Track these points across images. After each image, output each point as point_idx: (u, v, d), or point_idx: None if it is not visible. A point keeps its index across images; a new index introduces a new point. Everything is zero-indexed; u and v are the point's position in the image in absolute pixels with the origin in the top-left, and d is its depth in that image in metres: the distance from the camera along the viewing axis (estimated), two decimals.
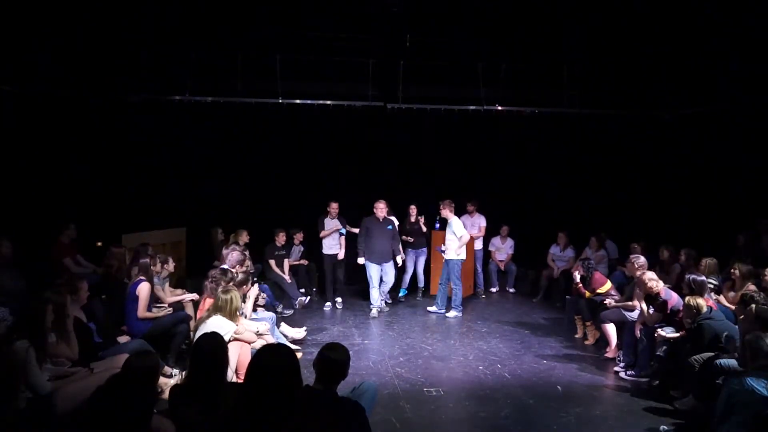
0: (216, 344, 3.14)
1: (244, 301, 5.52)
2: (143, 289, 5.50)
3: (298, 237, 8.85)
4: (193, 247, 8.97)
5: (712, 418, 3.75)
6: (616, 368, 5.87)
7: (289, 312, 7.99)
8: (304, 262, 8.94)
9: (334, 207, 8.39)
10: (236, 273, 6.08)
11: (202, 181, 9.38)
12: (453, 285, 8.04)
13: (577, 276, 6.85)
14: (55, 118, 8.07)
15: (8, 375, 3.58)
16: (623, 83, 9.25)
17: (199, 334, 4.13)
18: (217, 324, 4.48)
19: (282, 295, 8.12)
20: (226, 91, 8.80)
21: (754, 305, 4.54)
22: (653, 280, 5.56)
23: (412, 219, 9.00)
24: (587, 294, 6.74)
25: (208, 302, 5.28)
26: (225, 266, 6.26)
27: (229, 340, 4.37)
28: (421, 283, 9.28)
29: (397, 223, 8.39)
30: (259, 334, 5.20)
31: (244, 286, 5.63)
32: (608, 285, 6.76)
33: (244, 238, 8.02)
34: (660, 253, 7.52)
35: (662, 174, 9.66)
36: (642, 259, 6.33)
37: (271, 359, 2.51)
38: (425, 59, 8.87)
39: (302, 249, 8.97)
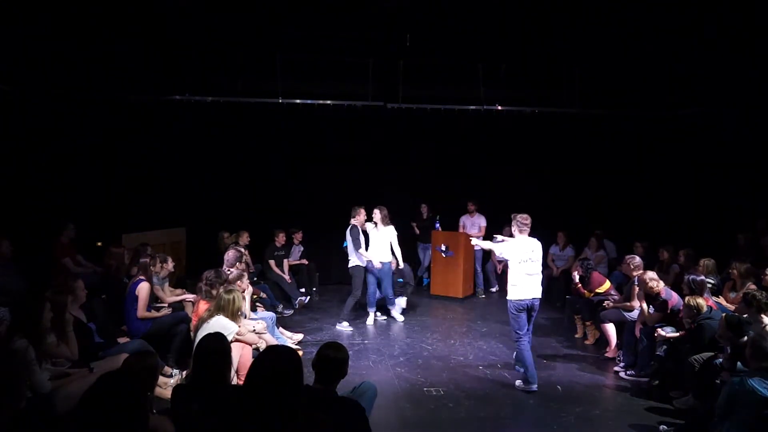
0: (219, 345, 3.14)
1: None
2: (143, 288, 5.50)
3: (298, 237, 8.87)
4: (193, 247, 8.97)
5: (712, 418, 3.75)
6: (616, 368, 5.88)
7: (289, 312, 7.99)
8: (304, 261, 8.94)
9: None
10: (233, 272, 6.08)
11: (202, 181, 9.37)
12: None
13: (576, 276, 6.86)
14: (55, 117, 8.07)
15: (11, 375, 3.57)
16: (623, 83, 9.25)
17: (201, 334, 4.13)
18: (220, 324, 4.48)
19: (282, 295, 8.12)
20: (226, 91, 8.81)
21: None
22: (654, 280, 5.56)
23: (424, 216, 9.56)
24: (587, 294, 6.75)
25: (202, 305, 5.27)
26: (224, 267, 6.26)
27: (231, 341, 4.36)
28: (426, 280, 9.40)
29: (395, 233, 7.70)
30: (256, 333, 5.19)
31: (238, 282, 5.61)
32: (607, 285, 6.76)
33: (245, 239, 8.03)
34: (660, 254, 7.53)
35: (662, 174, 9.67)
36: (638, 260, 6.33)
37: (273, 361, 2.49)
38: (425, 59, 8.86)
39: (302, 249, 8.98)
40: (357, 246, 7.32)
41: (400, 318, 7.77)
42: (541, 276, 5.46)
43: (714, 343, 4.67)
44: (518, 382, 5.42)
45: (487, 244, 5.84)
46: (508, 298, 5.40)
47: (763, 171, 7.92)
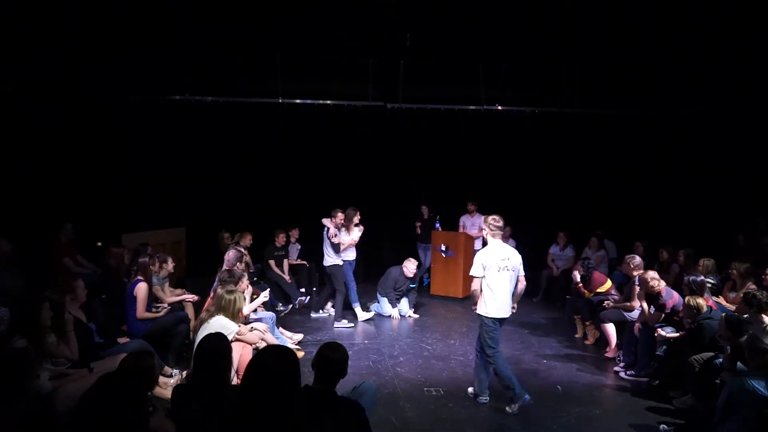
0: (220, 345, 3.14)
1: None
2: (141, 289, 5.49)
3: (294, 234, 8.85)
4: (193, 247, 8.97)
5: (712, 418, 3.75)
6: (616, 368, 5.88)
7: (286, 309, 7.96)
8: (304, 263, 8.92)
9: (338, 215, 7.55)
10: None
11: (202, 181, 9.38)
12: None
13: (577, 276, 6.85)
14: (54, 117, 8.08)
15: (12, 375, 3.56)
16: (623, 83, 9.26)
17: (201, 334, 4.13)
18: (221, 324, 4.47)
19: (281, 295, 8.11)
20: (226, 91, 8.81)
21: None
22: (655, 279, 5.54)
23: (425, 217, 9.68)
24: (587, 294, 6.74)
25: None
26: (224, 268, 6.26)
27: (231, 341, 4.36)
28: (426, 280, 9.40)
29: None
30: (253, 329, 5.18)
31: (241, 283, 5.61)
32: (608, 284, 6.75)
33: (247, 241, 7.99)
34: (660, 254, 7.53)
35: (662, 174, 9.67)
36: (638, 259, 6.32)
37: (270, 360, 2.50)
38: (425, 59, 8.87)
39: (299, 247, 8.96)
40: (336, 248, 7.40)
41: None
42: (516, 288, 4.80)
43: (714, 343, 4.67)
44: (511, 408, 4.72)
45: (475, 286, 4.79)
46: (480, 313, 4.76)
47: (763, 171, 7.93)
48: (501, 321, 4.80)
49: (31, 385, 3.64)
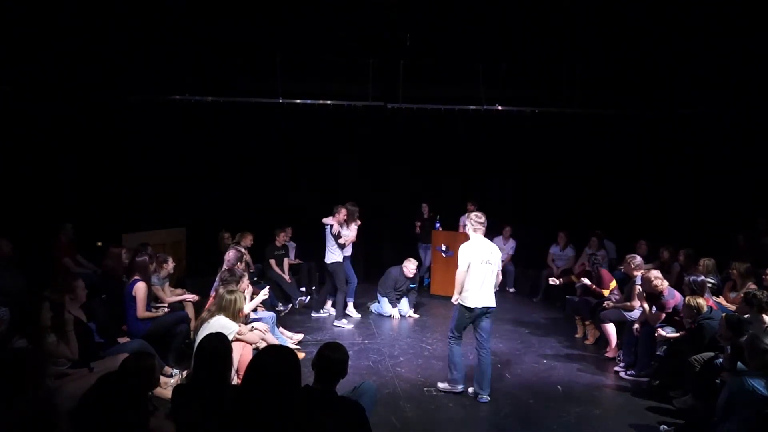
0: (221, 345, 3.14)
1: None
2: (140, 288, 5.48)
3: (288, 233, 8.85)
4: (193, 247, 8.97)
5: (712, 418, 3.75)
6: (616, 368, 5.88)
7: (286, 308, 7.96)
8: (299, 261, 8.92)
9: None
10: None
11: (202, 181, 9.38)
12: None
13: (586, 281, 6.80)
14: (55, 117, 8.08)
15: (12, 375, 3.56)
16: (623, 83, 9.26)
17: (201, 334, 4.13)
18: (221, 324, 4.47)
19: (280, 294, 8.11)
20: (226, 91, 8.81)
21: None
22: (658, 279, 5.52)
23: (425, 216, 9.61)
24: (605, 292, 6.67)
25: None
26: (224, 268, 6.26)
27: (232, 341, 4.35)
28: (426, 280, 9.41)
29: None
30: (253, 329, 5.18)
31: (241, 283, 5.61)
32: (614, 283, 6.74)
33: (248, 241, 7.98)
34: (660, 254, 7.53)
35: (662, 174, 9.67)
36: (638, 259, 6.31)
37: (270, 360, 2.50)
38: (425, 59, 8.88)
39: (294, 245, 8.96)
40: (342, 246, 7.43)
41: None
42: (495, 281, 5.11)
43: (714, 343, 4.66)
44: (442, 384, 5.20)
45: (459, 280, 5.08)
46: (460, 302, 5.05)
47: (763, 171, 7.93)
48: (474, 312, 5.02)
49: (44, 385, 3.63)
